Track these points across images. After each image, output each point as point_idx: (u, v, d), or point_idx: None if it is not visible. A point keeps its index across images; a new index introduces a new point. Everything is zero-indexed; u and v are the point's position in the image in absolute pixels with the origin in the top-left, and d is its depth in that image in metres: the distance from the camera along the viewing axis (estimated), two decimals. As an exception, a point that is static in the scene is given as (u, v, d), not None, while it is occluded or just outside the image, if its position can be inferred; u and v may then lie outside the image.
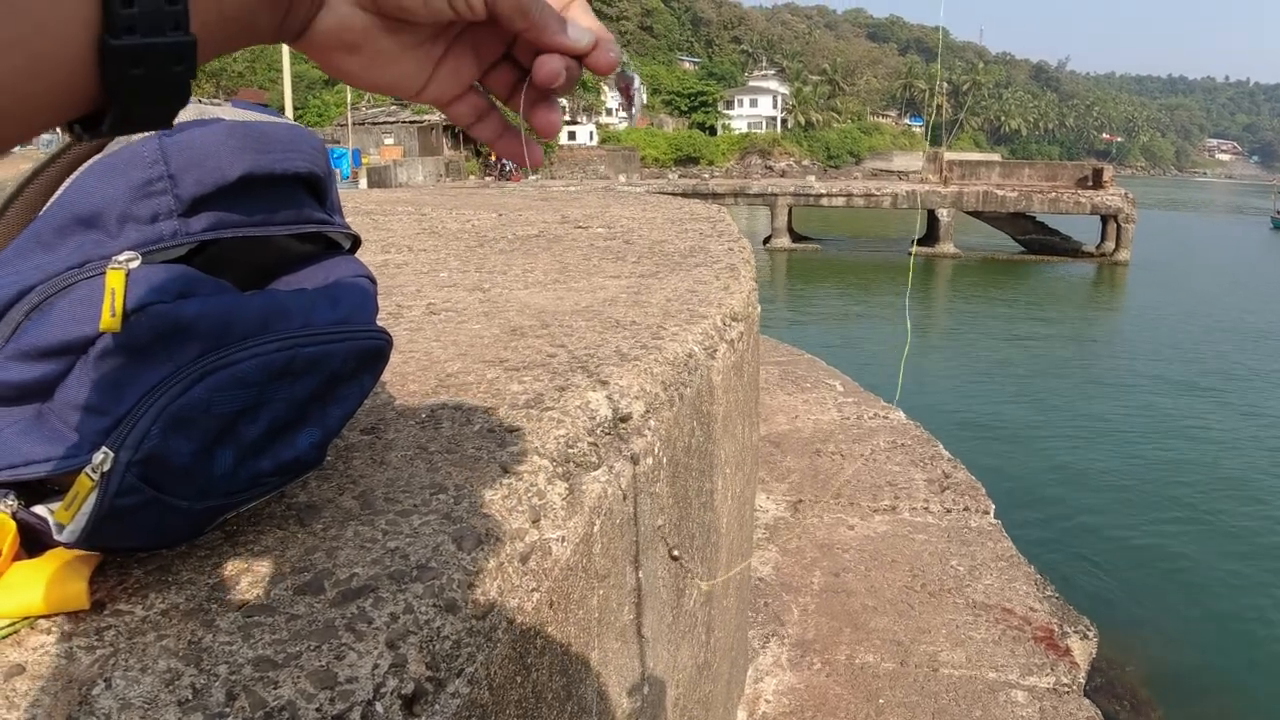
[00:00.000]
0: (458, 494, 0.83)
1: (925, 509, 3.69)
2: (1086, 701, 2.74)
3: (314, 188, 0.74)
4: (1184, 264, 35.48)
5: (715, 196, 34.33)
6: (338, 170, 29.77)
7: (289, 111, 25.42)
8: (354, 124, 39.57)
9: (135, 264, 0.60)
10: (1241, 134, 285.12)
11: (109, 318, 0.58)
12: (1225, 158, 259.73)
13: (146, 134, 0.64)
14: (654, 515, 1.16)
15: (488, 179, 40.24)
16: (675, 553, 1.15)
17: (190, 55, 0.36)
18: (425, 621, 0.64)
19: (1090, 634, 3.14)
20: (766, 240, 35.47)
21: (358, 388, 0.76)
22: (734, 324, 1.77)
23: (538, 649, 0.80)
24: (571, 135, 65.42)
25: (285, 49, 26.15)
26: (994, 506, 3.76)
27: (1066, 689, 2.74)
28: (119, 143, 0.65)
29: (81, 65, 0.33)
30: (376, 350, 0.76)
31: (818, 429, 4.55)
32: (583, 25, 0.49)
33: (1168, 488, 12.11)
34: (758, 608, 2.93)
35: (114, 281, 0.59)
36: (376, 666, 0.60)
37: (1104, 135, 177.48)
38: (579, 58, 0.49)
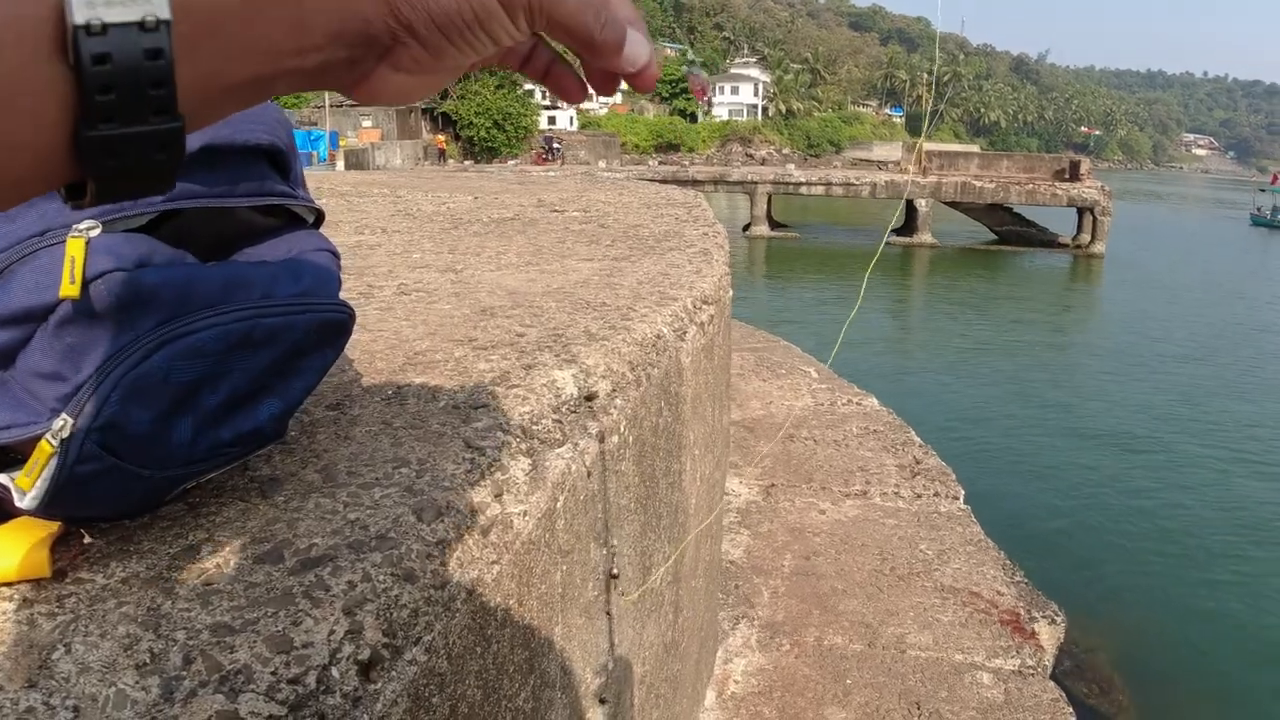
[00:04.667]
0: (420, 468, 0.84)
1: (896, 494, 3.73)
2: (1051, 684, 2.78)
3: (276, 160, 0.74)
4: (1160, 258, 35.82)
5: (695, 183, 34.31)
6: (314, 152, 29.55)
7: (266, 92, 25.14)
8: (331, 106, 39.22)
9: (95, 232, 0.60)
10: (1218, 129, 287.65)
11: (69, 285, 0.59)
12: (1202, 152, 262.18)
13: None
14: (619, 493, 1.17)
15: (548, 162, 40.76)
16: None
17: (175, 140, 0.34)
18: (383, 590, 0.65)
19: (1059, 619, 3.18)
20: (746, 228, 35.54)
21: (320, 361, 0.76)
22: (705, 307, 1.79)
23: (499, 621, 0.81)
24: (551, 120, 65.14)
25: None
26: (964, 492, 3.80)
27: (1032, 671, 2.79)
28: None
29: (57, 151, 0.32)
30: (338, 323, 0.76)
31: (791, 414, 4.57)
32: (638, 40, 0.44)
33: (1138, 476, 12.27)
34: (728, 590, 2.95)
35: (74, 249, 0.59)
36: (333, 632, 0.60)
37: (1082, 128, 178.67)
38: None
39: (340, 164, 29.08)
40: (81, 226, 0.60)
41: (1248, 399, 16.31)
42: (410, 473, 0.83)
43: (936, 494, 3.76)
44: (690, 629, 1.93)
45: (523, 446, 0.93)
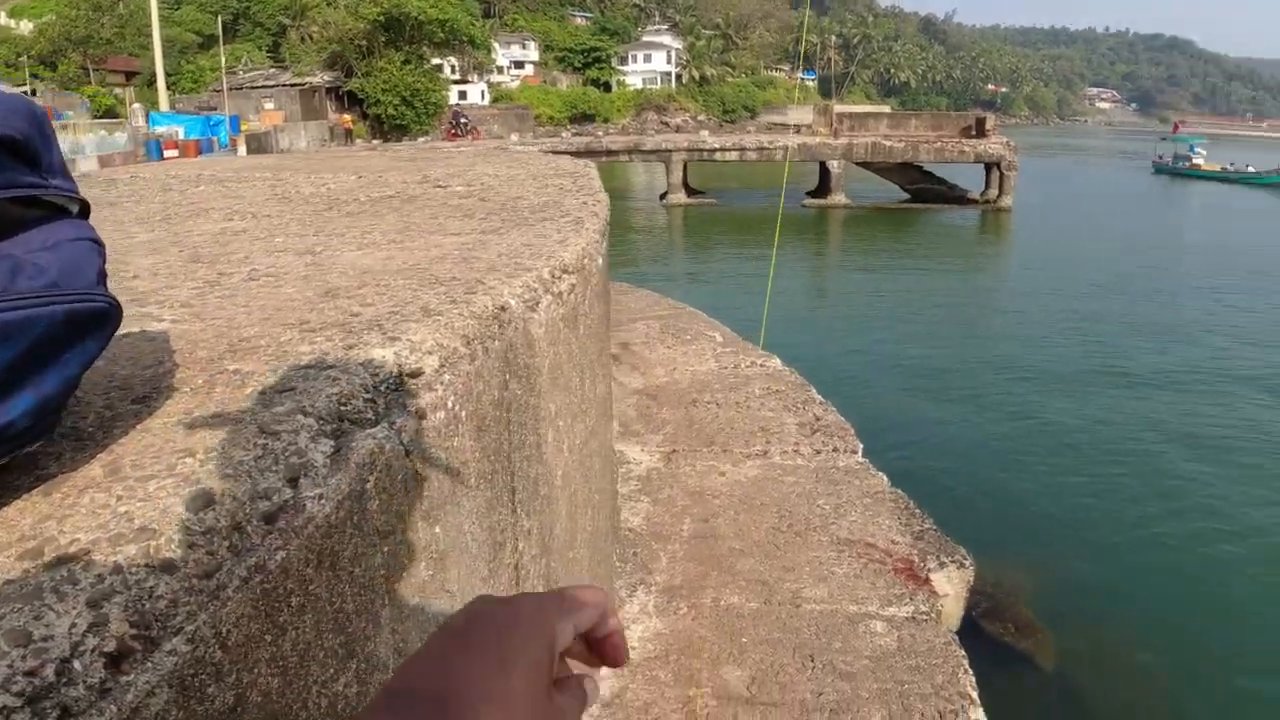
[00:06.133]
0: (205, 457, 0.83)
1: (796, 451, 3.79)
2: (943, 628, 2.86)
3: (17, 150, 0.72)
4: (1066, 208, 36.82)
5: (610, 153, 34.19)
6: (215, 139, 28.64)
7: (160, 78, 24.35)
8: (231, 89, 38.04)
9: None
10: (1121, 83, 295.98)
11: None
12: (1105, 106, 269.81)
13: None
14: (454, 470, 1.17)
15: (458, 138, 40.34)
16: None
17: None
18: (135, 581, 0.65)
19: (967, 563, 3.27)
20: (663, 196, 35.53)
21: (80, 353, 0.75)
22: (565, 276, 1.78)
23: (294, 608, 0.80)
24: (463, 95, 64.08)
25: (154, 12, 24.91)
26: (861, 446, 3.88)
27: (925, 617, 2.87)
28: None
29: None
30: (96, 313, 0.74)
31: (695, 380, 4.61)
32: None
33: (1048, 417, 12.64)
34: (626, 558, 2.98)
35: None
36: (74, 625, 0.60)
37: (989, 86, 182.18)
38: None
39: (242, 149, 28.24)
40: None
41: (1151, 335, 16.94)
42: (194, 463, 0.82)
43: (835, 449, 3.83)
44: (571, 599, 1.94)
45: (325, 429, 0.92)
